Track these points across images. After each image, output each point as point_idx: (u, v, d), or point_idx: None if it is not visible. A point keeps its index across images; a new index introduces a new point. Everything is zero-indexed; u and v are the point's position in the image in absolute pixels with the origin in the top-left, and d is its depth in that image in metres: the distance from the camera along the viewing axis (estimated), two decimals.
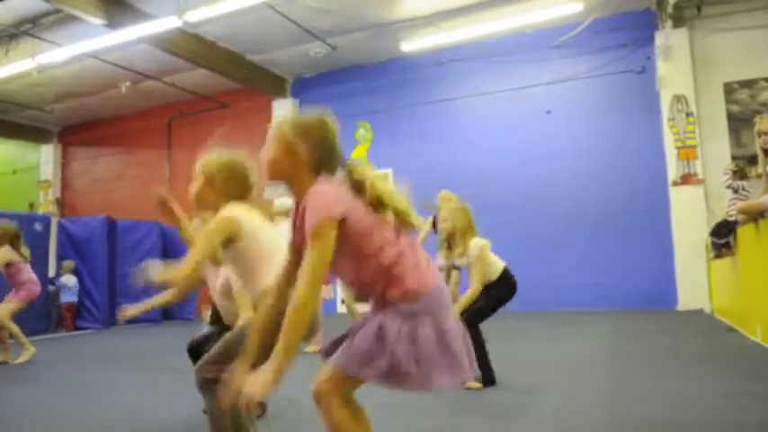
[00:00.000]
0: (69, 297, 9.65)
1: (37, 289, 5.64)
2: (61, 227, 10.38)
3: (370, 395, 1.78)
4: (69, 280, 9.63)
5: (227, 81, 11.43)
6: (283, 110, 12.18)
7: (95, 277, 9.82)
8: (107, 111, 13.96)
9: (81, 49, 9.33)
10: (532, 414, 2.87)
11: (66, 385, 4.38)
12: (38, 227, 8.77)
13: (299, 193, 1.82)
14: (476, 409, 3.03)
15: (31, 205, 14.96)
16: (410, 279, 1.69)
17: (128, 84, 12.00)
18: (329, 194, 1.72)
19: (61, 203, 15.12)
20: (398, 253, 1.72)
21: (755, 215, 4.75)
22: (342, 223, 1.67)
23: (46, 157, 15.46)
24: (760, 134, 4.74)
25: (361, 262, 1.72)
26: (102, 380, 4.58)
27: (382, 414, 2.05)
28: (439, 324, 1.67)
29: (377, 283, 1.71)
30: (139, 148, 14.17)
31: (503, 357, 4.79)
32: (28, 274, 5.60)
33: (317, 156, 1.83)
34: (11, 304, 5.49)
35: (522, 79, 10.09)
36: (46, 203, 15.14)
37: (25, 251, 5.65)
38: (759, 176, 5.20)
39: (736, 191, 5.93)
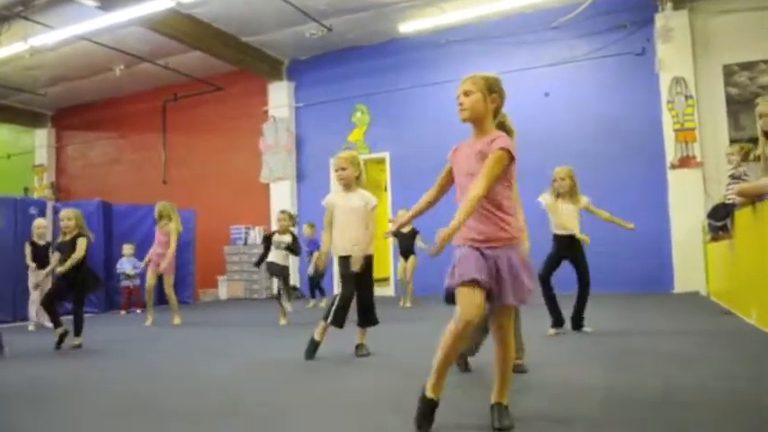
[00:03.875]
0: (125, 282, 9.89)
1: None
2: (56, 211, 10.30)
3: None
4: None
5: (221, 63, 11.33)
6: (279, 93, 12.10)
7: (91, 262, 9.76)
8: (101, 94, 13.85)
9: (74, 31, 9.23)
10: (528, 397, 2.86)
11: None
12: (33, 211, 8.72)
13: (481, 132, 2.49)
14: (471, 389, 3.03)
15: (26, 190, 14.89)
16: (514, 224, 2.44)
17: (122, 66, 11.90)
18: (513, 142, 2.47)
19: (56, 188, 15.05)
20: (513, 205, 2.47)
21: (754, 198, 4.72)
22: (510, 163, 2.39)
23: (40, 141, 15.37)
24: (761, 116, 4.69)
25: (500, 195, 2.40)
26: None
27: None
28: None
29: (497, 216, 2.39)
30: (134, 131, 14.08)
31: None
32: None
33: (500, 106, 2.51)
34: None
35: (521, 61, 10.01)
36: (41, 188, 15.07)
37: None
38: (757, 159, 5.16)
39: (737, 178, 5.90)
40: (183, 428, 2.66)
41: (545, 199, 5.22)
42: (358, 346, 4.47)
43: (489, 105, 2.46)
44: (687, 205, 8.76)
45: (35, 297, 7.24)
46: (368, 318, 4.48)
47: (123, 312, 9.57)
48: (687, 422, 2.43)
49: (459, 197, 2.48)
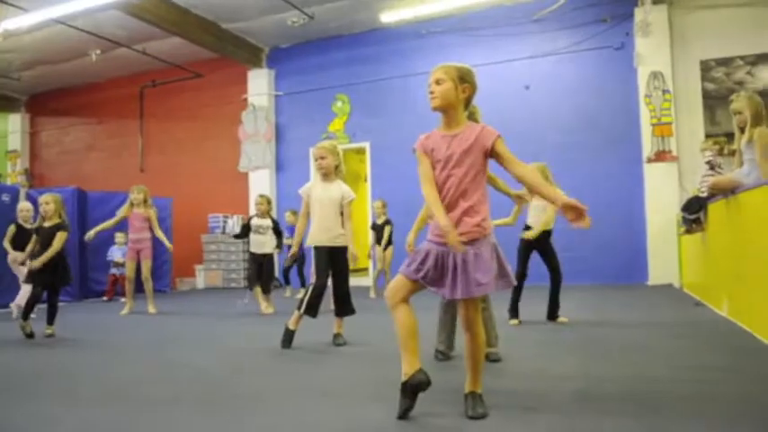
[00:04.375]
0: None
1: None
2: (30, 198, 10.10)
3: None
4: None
5: (201, 50, 11.17)
6: (259, 81, 11.99)
7: (65, 249, 9.63)
8: (77, 79, 13.59)
9: (49, 14, 9.03)
10: (498, 390, 2.88)
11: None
12: (5, 198, 8.54)
13: (452, 121, 2.52)
14: (447, 377, 3.05)
15: None
16: (487, 215, 2.50)
17: (98, 51, 11.69)
18: None
19: (30, 174, 14.77)
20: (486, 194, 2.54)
21: (727, 192, 4.80)
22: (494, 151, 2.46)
23: (13, 126, 15.05)
24: (735, 112, 4.76)
25: (478, 183, 2.49)
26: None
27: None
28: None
29: (474, 205, 2.46)
30: (110, 117, 13.86)
31: None
32: None
33: (471, 96, 2.54)
34: None
35: (502, 53, 10.04)
36: (14, 174, 14.78)
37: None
38: (732, 154, 5.24)
39: (713, 167, 5.97)
40: (157, 417, 2.64)
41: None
42: (335, 336, 4.48)
43: (460, 95, 2.50)
44: (662, 199, 8.89)
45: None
46: (345, 307, 4.50)
47: (105, 299, 9.47)
48: (659, 410, 2.48)
49: (443, 186, 2.48)
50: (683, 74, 9.16)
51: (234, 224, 11.68)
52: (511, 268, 2.55)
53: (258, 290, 6.96)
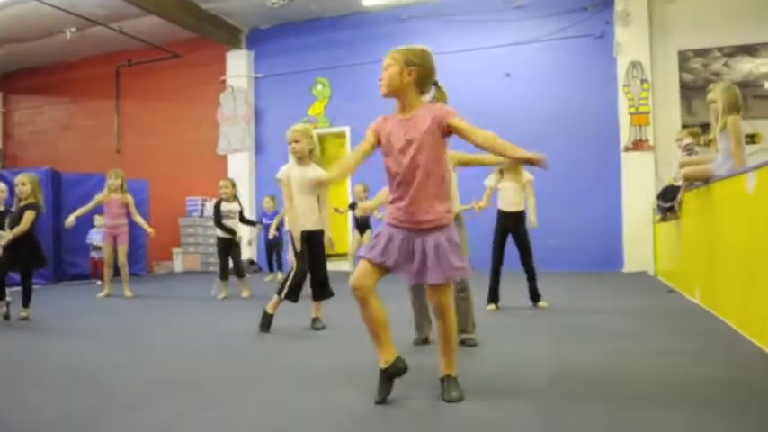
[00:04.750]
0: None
1: None
2: (3, 179, 9.89)
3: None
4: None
5: (178, 30, 10.97)
6: (238, 62, 11.84)
7: (39, 231, 9.47)
8: (51, 58, 13.28)
9: None
10: (473, 373, 2.91)
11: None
12: None
13: (405, 106, 2.51)
14: (417, 366, 3.08)
15: None
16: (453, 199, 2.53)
17: (73, 29, 11.41)
18: None
19: (3, 155, 14.45)
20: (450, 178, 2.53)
21: (702, 181, 4.88)
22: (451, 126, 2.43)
23: None
24: (710, 102, 4.83)
25: (442, 165, 2.47)
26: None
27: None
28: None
29: (441, 189, 2.46)
30: (86, 97, 13.58)
31: None
32: None
33: (422, 78, 2.48)
34: None
35: (484, 40, 10.03)
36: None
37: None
38: (707, 144, 5.31)
39: (691, 153, 6.04)
40: (133, 401, 2.63)
41: (490, 180, 5.43)
42: (314, 320, 4.48)
43: (406, 78, 2.46)
44: (639, 187, 9.01)
45: None
46: (322, 291, 4.50)
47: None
48: (630, 392, 2.53)
49: (395, 173, 2.48)
50: (661, 64, 9.25)
51: (211, 208, 11.56)
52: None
53: (220, 280, 6.86)
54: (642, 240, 8.82)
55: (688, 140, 6.13)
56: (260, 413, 2.41)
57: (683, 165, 5.50)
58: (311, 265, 4.42)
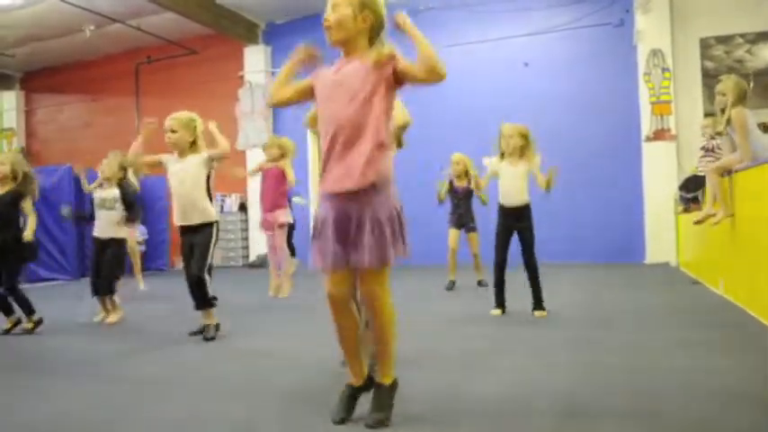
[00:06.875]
0: None
1: None
2: None
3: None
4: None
5: (196, 26, 11.04)
6: (255, 57, 11.88)
7: (63, 228, 9.65)
8: (72, 56, 13.44)
9: None
10: (495, 366, 2.90)
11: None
12: None
13: (352, 52, 2.18)
14: (435, 360, 3.07)
15: None
16: (387, 162, 2.13)
17: (92, 27, 11.53)
18: None
19: (26, 152, 14.68)
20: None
21: (722, 173, 4.81)
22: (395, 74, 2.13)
23: (9, 104, 14.93)
24: (719, 93, 4.71)
25: (380, 120, 2.12)
26: None
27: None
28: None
29: (377, 146, 2.08)
30: (106, 94, 13.74)
31: (472, 310, 4.85)
32: None
33: (374, 26, 2.18)
34: None
35: (501, 30, 9.94)
36: (11, 153, 14.69)
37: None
38: (720, 134, 5.20)
39: (709, 150, 5.96)
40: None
41: (490, 162, 4.74)
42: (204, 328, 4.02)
43: (360, 24, 2.14)
44: (661, 177, 8.88)
45: None
46: (200, 298, 4.04)
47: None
48: (653, 381, 2.50)
49: (327, 133, 2.12)
50: (682, 52, 9.09)
51: (231, 203, 11.66)
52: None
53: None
54: (664, 231, 8.71)
55: (704, 141, 6.07)
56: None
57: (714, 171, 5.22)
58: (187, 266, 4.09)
